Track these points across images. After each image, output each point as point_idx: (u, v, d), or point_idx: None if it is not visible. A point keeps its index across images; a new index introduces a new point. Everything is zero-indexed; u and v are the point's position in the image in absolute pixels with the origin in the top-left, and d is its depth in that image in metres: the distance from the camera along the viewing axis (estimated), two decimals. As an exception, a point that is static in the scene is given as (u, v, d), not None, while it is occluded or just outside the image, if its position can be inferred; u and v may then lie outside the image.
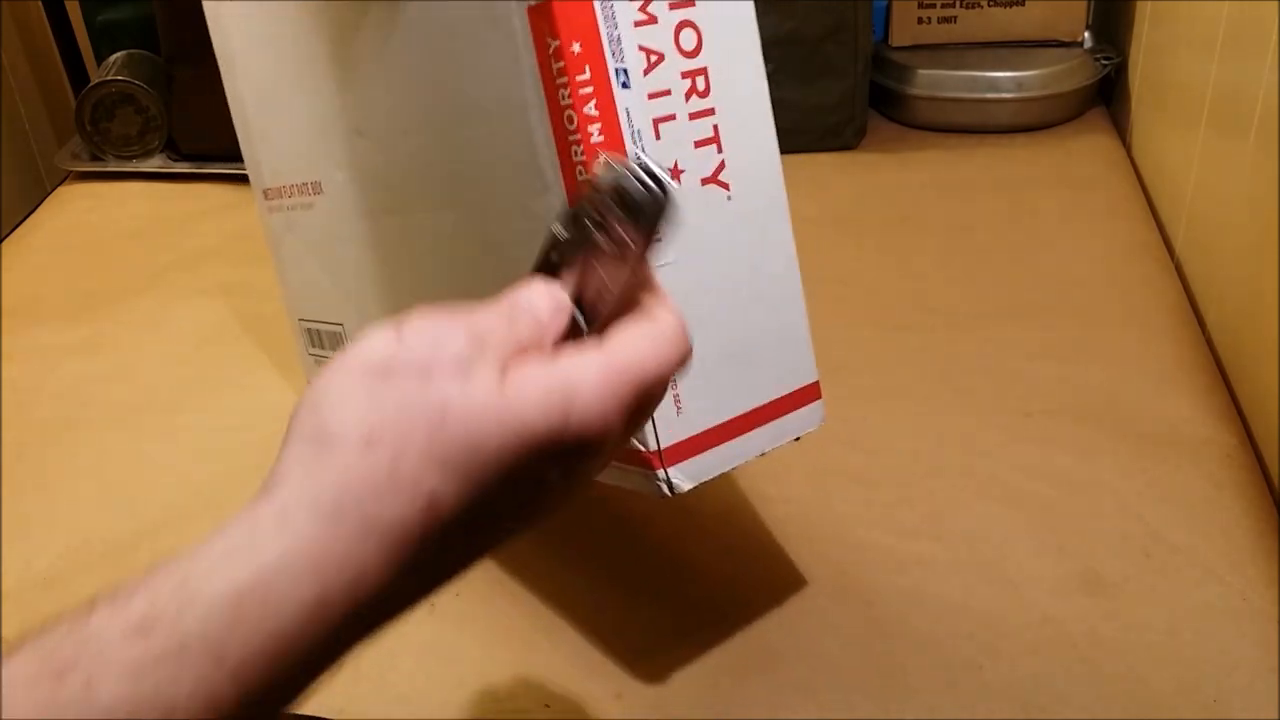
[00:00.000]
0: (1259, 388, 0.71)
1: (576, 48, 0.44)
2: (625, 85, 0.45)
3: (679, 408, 0.49)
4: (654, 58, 0.46)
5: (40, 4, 1.30)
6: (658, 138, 0.46)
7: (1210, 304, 0.82)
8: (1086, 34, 1.15)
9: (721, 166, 0.49)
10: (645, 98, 0.45)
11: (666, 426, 0.49)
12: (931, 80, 1.12)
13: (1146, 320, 0.81)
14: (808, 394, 0.55)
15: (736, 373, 0.51)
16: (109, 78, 1.13)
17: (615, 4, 0.44)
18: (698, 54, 0.47)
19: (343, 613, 0.30)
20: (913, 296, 0.86)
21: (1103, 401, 0.73)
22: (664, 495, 0.49)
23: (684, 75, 0.47)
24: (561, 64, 0.44)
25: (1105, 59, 1.13)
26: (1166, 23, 1.01)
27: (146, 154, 1.15)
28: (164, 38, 1.09)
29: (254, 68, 0.67)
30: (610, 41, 0.44)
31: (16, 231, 1.08)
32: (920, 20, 1.16)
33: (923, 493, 0.67)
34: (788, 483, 0.67)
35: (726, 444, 0.51)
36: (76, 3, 1.31)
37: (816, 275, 0.90)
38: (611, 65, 0.44)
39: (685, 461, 0.50)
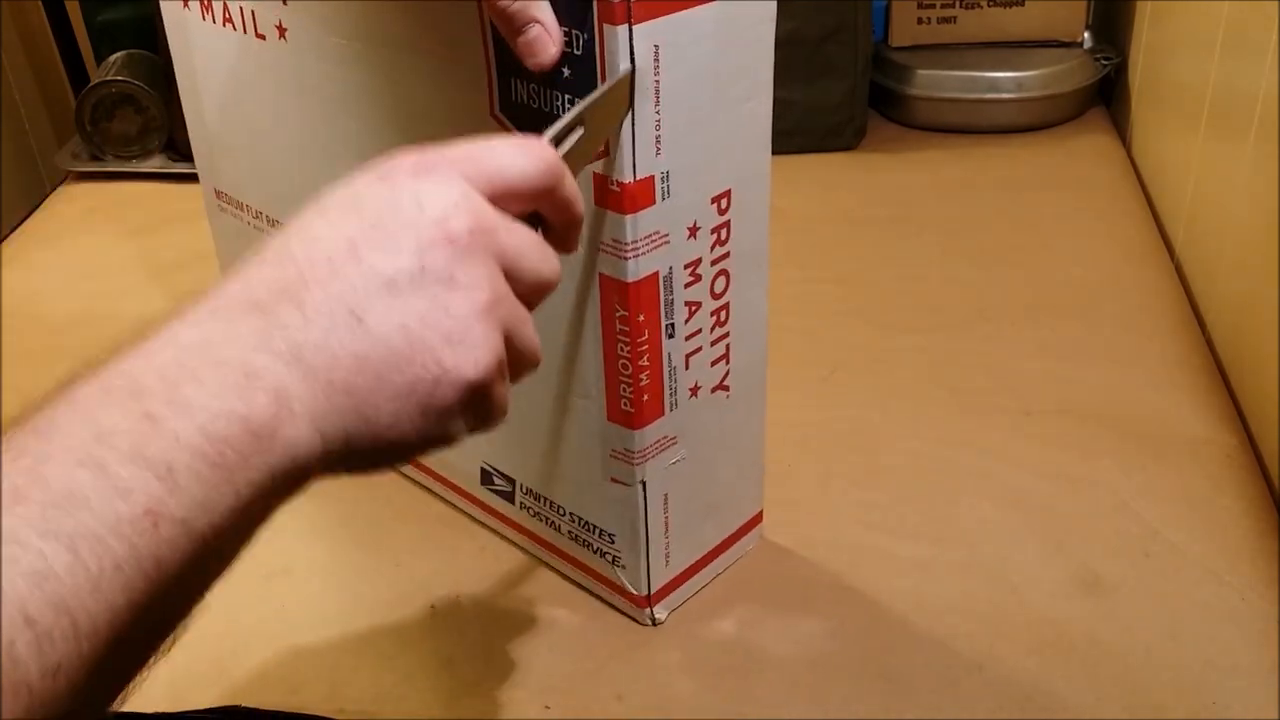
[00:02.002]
0: (1259, 388, 0.71)
1: (641, 318, 0.50)
2: (671, 336, 0.52)
3: (668, 559, 0.58)
4: (693, 307, 0.52)
5: (40, 4, 1.30)
6: (687, 368, 0.54)
7: (1210, 304, 0.82)
8: (1086, 34, 1.15)
9: (727, 374, 0.56)
10: (683, 340, 0.53)
11: (657, 575, 0.58)
12: (931, 80, 1.12)
13: (1146, 320, 0.81)
14: (756, 520, 0.64)
15: (711, 522, 0.60)
16: (109, 78, 1.13)
17: (674, 276, 0.50)
18: (725, 294, 0.54)
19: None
20: (913, 296, 0.86)
21: (1103, 401, 0.73)
22: (646, 625, 0.59)
23: (712, 313, 0.54)
24: (626, 329, 0.50)
25: (1105, 59, 1.13)
26: (1166, 23, 1.01)
27: (146, 154, 1.15)
28: (164, 38, 1.08)
29: (221, 82, 0.67)
30: (665, 305, 0.51)
31: (16, 231, 1.08)
32: (920, 20, 1.16)
33: (923, 493, 0.67)
34: (788, 483, 0.67)
35: (696, 575, 0.60)
36: (76, 3, 1.31)
37: (817, 275, 0.90)
38: (664, 323, 0.51)
39: (667, 597, 0.59)
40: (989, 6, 1.14)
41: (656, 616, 0.59)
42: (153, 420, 0.30)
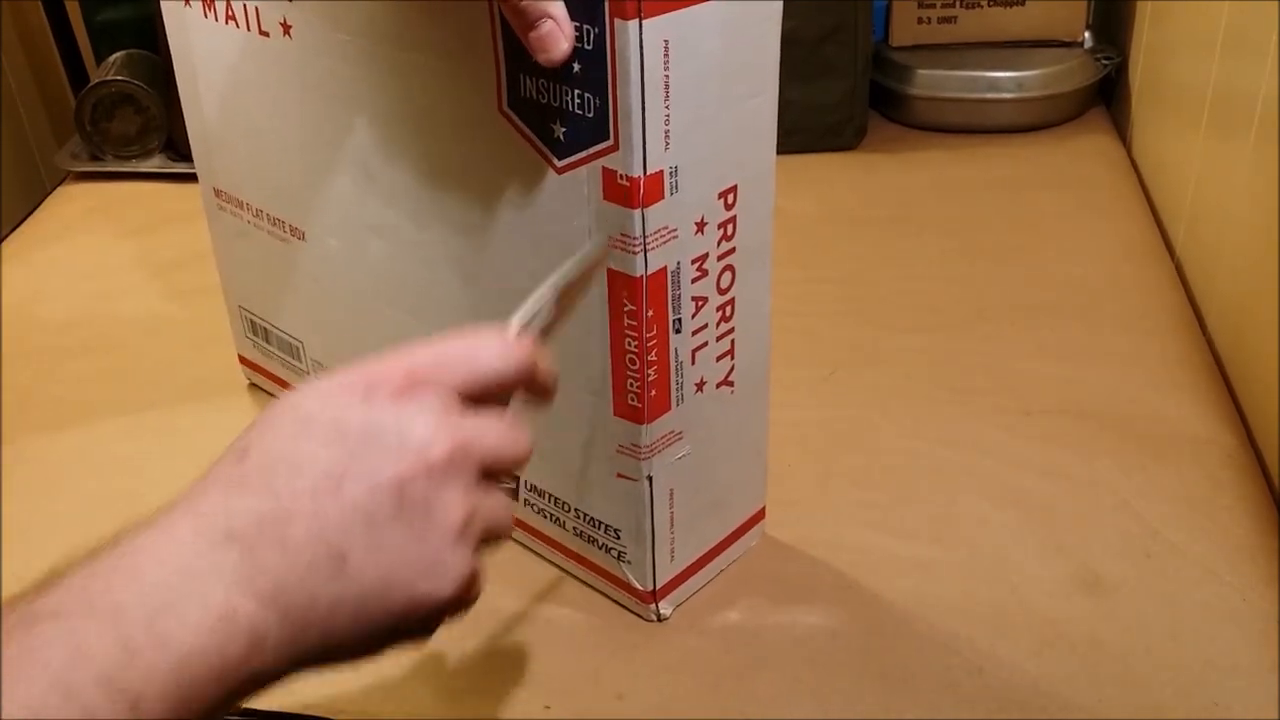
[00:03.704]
0: (1259, 388, 0.71)
1: (650, 313, 0.50)
2: (678, 331, 0.52)
3: (673, 554, 0.58)
4: (700, 302, 0.53)
5: (40, 4, 1.30)
6: (693, 363, 0.54)
7: (1210, 304, 0.82)
8: (1086, 34, 1.15)
9: (731, 370, 0.56)
10: (690, 335, 0.53)
11: (663, 571, 0.58)
12: (931, 80, 1.12)
13: (1146, 320, 0.81)
14: (759, 516, 0.64)
15: (715, 517, 0.60)
16: (109, 78, 1.13)
17: (682, 271, 0.51)
18: (731, 289, 0.54)
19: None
20: (913, 296, 0.86)
21: (1103, 401, 0.73)
22: (651, 620, 0.59)
23: (718, 309, 0.54)
24: (634, 324, 0.50)
25: (1105, 59, 1.13)
26: (1166, 23, 1.01)
27: (146, 154, 1.15)
28: (164, 37, 1.08)
29: (222, 80, 0.67)
30: (673, 300, 0.51)
31: (16, 231, 1.08)
32: (920, 20, 1.16)
33: (923, 493, 0.67)
34: (789, 483, 0.67)
35: (700, 571, 0.61)
36: (76, 3, 1.31)
37: (817, 275, 0.90)
38: (671, 317, 0.51)
39: (672, 593, 0.59)
40: (989, 6, 1.14)
41: (662, 612, 0.59)
42: (129, 650, 0.31)
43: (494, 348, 0.40)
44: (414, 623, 0.37)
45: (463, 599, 0.38)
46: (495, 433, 0.39)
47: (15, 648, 0.30)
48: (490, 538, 0.39)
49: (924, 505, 0.66)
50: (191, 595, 0.33)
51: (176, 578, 0.33)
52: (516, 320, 0.43)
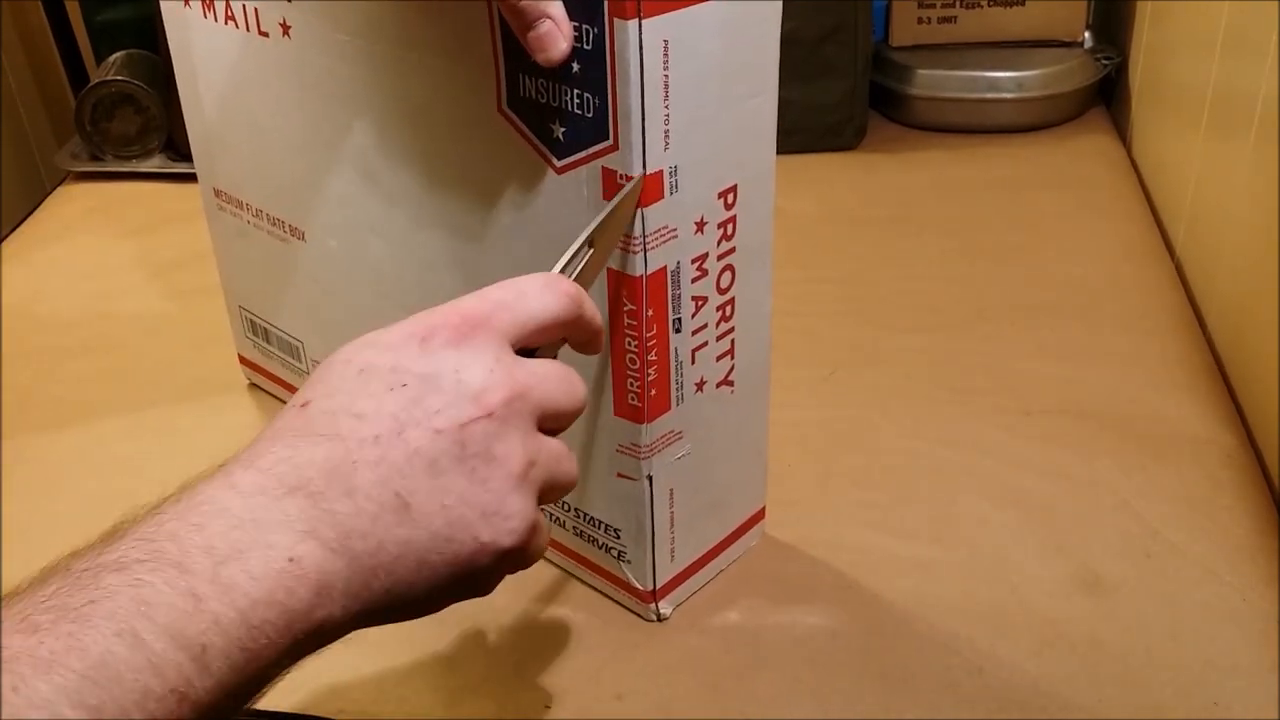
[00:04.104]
0: (1259, 388, 0.71)
1: (650, 312, 0.50)
2: (678, 330, 0.52)
3: (673, 554, 0.58)
4: (700, 302, 0.53)
5: (40, 4, 1.30)
6: (693, 363, 0.54)
7: (1210, 304, 0.82)
8: (1086, 34, 1.15)
9: (731, 370, 0.56)
10: (689, 335, 0.53)
11: (663, 570, 0.58)
12: (931, 80, 1.12)
13: (1146, 320, 0.81)
14: (759, 516, 0.64)
15: (715, 517, 0.60)
16: (109, 78, 1.13)
17: (682, 270, 0.51)
18: (730, 289, 0.54)
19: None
20: (913, 296, 0.86)
21: (1103, 401, 0.73)
22: (651, 620, 0.59)
23: (718, 308, 0.54)
24: (634, 323, 0.50)
25: (1105, 59, 1.13)
26: (1166, 23, 1.01)
27: (146, 154, 1.15)
28: (164, 37, 1.08)
29: (222, 80, 0.67)
30: (673, 300, 0.51)
31: (16, 231, 1.08)
32: (920, 20, 1.16)
33: (923, 493, 0.67)
34: (789, 483, 0.67)
35: (700, 571, 0.61)
36: (76, 3, 1.31)
37: (817, 275, 0.90)
38: (671, 317, 0.51)
39: (672, 593, 0.59)
40: (989, 6, 1.14)
41: (662, 612, 0.59)
42: (195, 599, 0.31)
43: (543, 287, 0.41)
44: (476, 572, 0.37)
45: (524, 549, 0.38)
46: (551, 379, 0.39)
47: (82, 597, 0.30)
48: (552, 487, 0.40)
49: (924, 505, 0.66)
50: (257, 544, 0.33)
51: (242, 528, 0.33)
52: (558, 266, 0.44)
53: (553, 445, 0.40)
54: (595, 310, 0.43)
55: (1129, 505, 0.64)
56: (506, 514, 0.37)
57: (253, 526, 0.33)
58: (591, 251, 0.46)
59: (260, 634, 0.32)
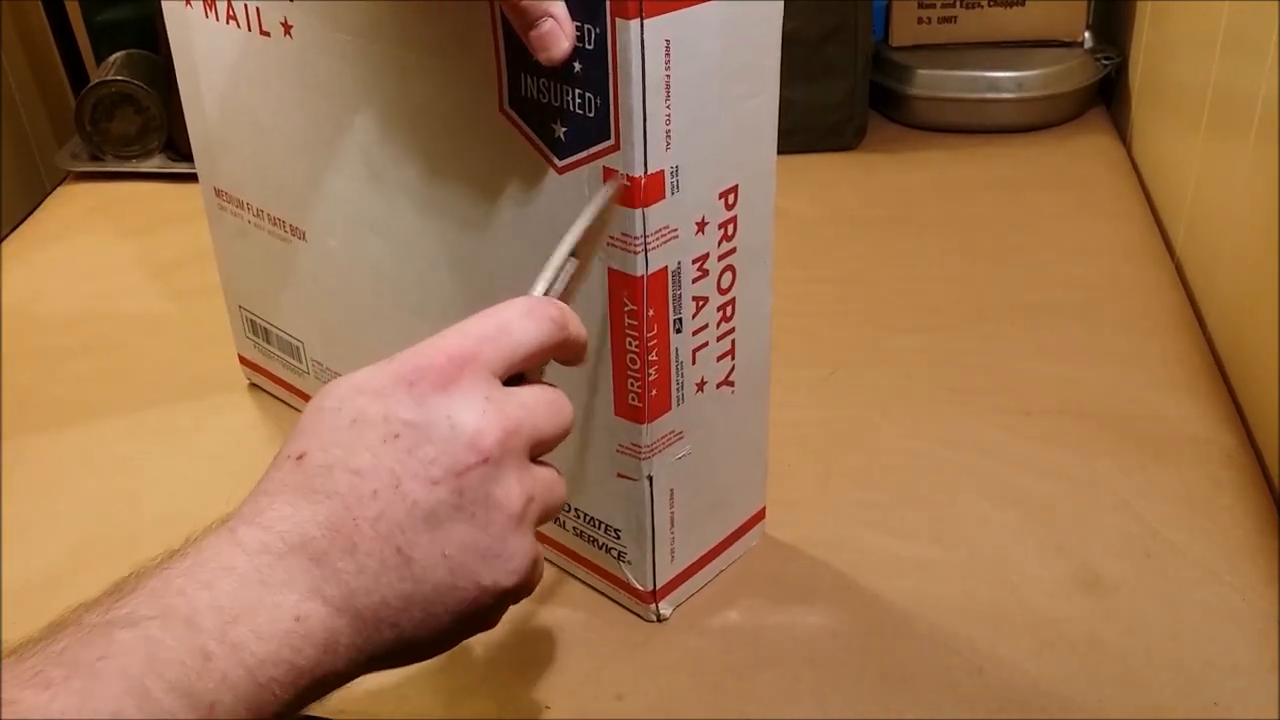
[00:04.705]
0: (1259, 388, 0.71)
1: (651, 312, 0.50)
2: (678, 330, 0.52)
3: (673, 554, 0.58)
4: (701, 302, 0.53)
5: (40, 4, 1.30)
6: (693, 363, 0.54)
7: (1210, 304, 0.82)
8: (1086, 34, 1.15)
9: (732, 370, 0.56)
10: (690, 335, 0.53)
11: (663, 571, 0.58)
12: (931, 80, 1.12)
13: (1146, 320, 0.81)
14: (759, 516, 0.64)
15: (716, 517, 0.60)
16: (109, 78, 1.13)
17: (683, 271, 0.51)
18: (731, 289, 0.54)
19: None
20: (913, 296, 0.86)
21: (1103, 401, 0.73)
22: (651, 621, 0.59)
23: (719, 309, 0.54)
24: (635, 324, 0.50)
25: (1105, 59, 1.13)
26: (1166, 23, 1.01)
27: (146, 154, 1.15)
28: (164, 37, 1.08)
29: (223, 80, 0.67)
30: (673, 300, 0.51)
31: (16, 231, 1.08)
32: (920, 20, 1.16)
33: (923, 493, 0.67)
34: (789, 483, 0.67)
35: (701, 571, 0.61)
36: (76, 3, 1.31)
37: (817, 275, 0.90)
38: (671, 317, 0.51)
39: (672, 593, 0.60)
40: (989, 6, 1.14)
41: (662, 612, 0.59)
42: (205, 657, 0.32)
43: (525, 315, 0.40)
44: (481, 612, 0.37)
45: (526, 583, 0.38)
46: (540, 408, 0.40)
47: (93, 652, 0.31)
48: (546, 515, 0.40)
49: (924, 505, 0.66)
50: (264, 604, 0.33)
51: (248, 587, 0.34)
52: (540, 286, 0.44)
53: (545, 475, 0.40)
54: (580, 325, 0.43)
55: (1129, 505, 0.64)
56: (508, 555, 0.37)
57: (259, 586, 0.34)
58: (575, 262, 0.46)
59: (267, 691, 0.32)
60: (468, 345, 0.39)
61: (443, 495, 0.36)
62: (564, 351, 0.42)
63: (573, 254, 0.46)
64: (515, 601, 0.39)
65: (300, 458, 0.37)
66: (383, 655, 0.36)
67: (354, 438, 0.37)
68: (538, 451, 0.40)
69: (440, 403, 0.37)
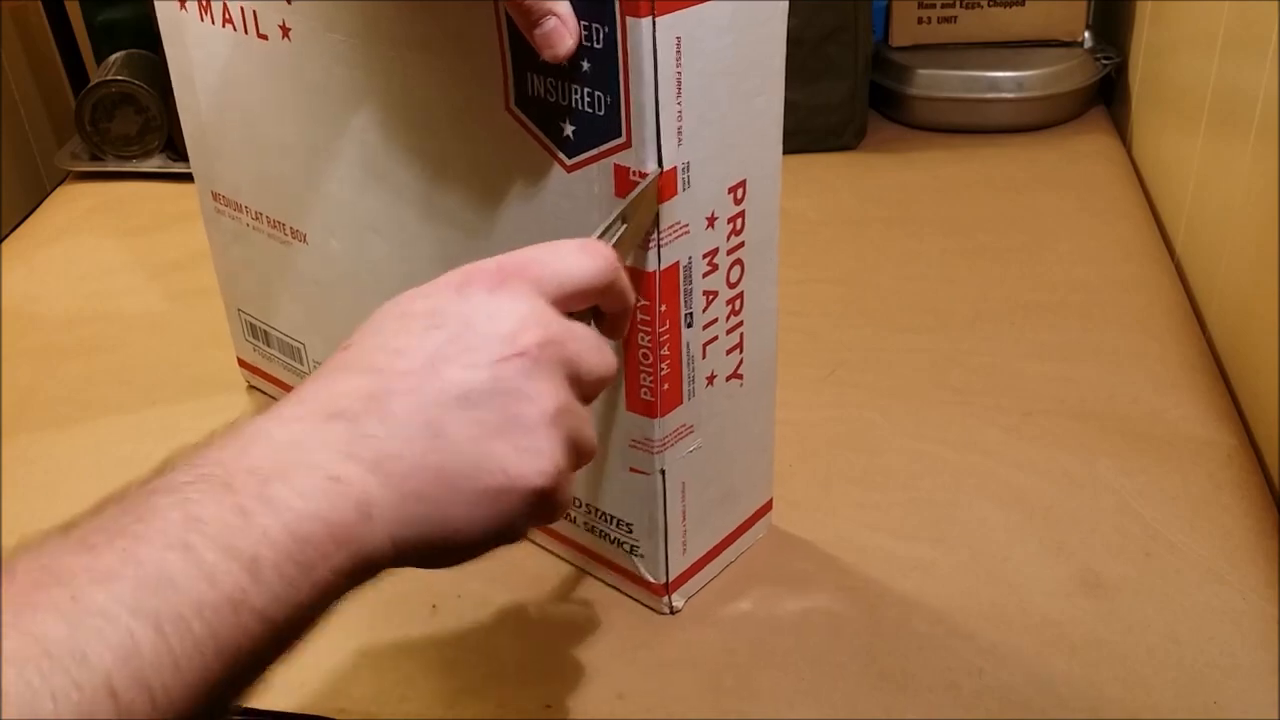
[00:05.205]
0: (1259, 388, 0.71)
1: (663, 307, 0.51)
2: (689, 325, 0.53)
3: (685, 546, 0.59)
4: (711, 296, 0.53)
5: (40, 4, 1.30)
6: (704, 357, 0.54)
7: (1210, 304, 0.82)
8: (1086, 34, 1.15)
9: (740, 363, 0.57)
10: (701, 329, 0.53)
11: (675, 563, 0.59)
12: (931, 80, 1.12)
13: (1146, 320, 0.81)
14: (767, 507, 0.64)
15: (725, 509, 0.61)
16: (109, 78, 1.13)
17: (694, 265, 0.51)
18: (740, 283, 0.54)
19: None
20: (913, 296, 0.86)
21: (1103, 401, 0.73)
22: (664, 613, 0.60)
23: (728, 302, 0.54)
24: (647, 319, 0.51)
25: (1105, 59, 1.13)
26: (1166, 23, 1.01)
27: (146, 154, 1.15)
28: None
29: (219, 83, 0.67)
30: (685, 295, 0.52)
31: (16, 231, 1.08)
32: (920, 20, 1.16)
33: (923, 493, 0.67)
34: (790, 483, 0.67)
35: (711, 563, 0.61)
36: (76, 3, 1.31)
37: (817, 275, 0.90)
38: (683, 312, 0.52)
39: (683, 585, 0.60)
40: (989, 6, 1.14)
41: (674, 604, 0.59)
42: (243, 514, 0.32)
43: (579, 250, 0.42)
44: (506, 511, 0.37)
45: (552, 495, 0.38)
46: (587, 339, 0.41)
47: (133, 516, 0.31)
48: (577, 448, 0.40)
49: (924, 505, 0.66)
50: (300, 463, 0.34)
51: (285, 450, 0.34)
52: (597, 233, 0.45)
53: (579, 407, 0.40)
54: (628, 283, 0.44)
55: (1129, 505, 0.65)
56: (537, 450, 0.37)
57: (294, 449, 0.34)
58: (625, 226, 0.46)
59: (309, 547, 0.33)
60: (520, 260, 0.40)
61: (479, 379, 0.37)
62: (611, 299, 0.43)
63: (623, 219, 0.46)
64: (541, 515, 0.39)
65: (347, 347, 0.39)
66: (417, 538, 0.36)
67: (399, 326, 0.39)
68: (577, 386, 0.40)
69: (485, 300, 0.39)
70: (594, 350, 0.41)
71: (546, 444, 0.38)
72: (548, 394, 0.38)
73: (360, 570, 0.35)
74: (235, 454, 0.34)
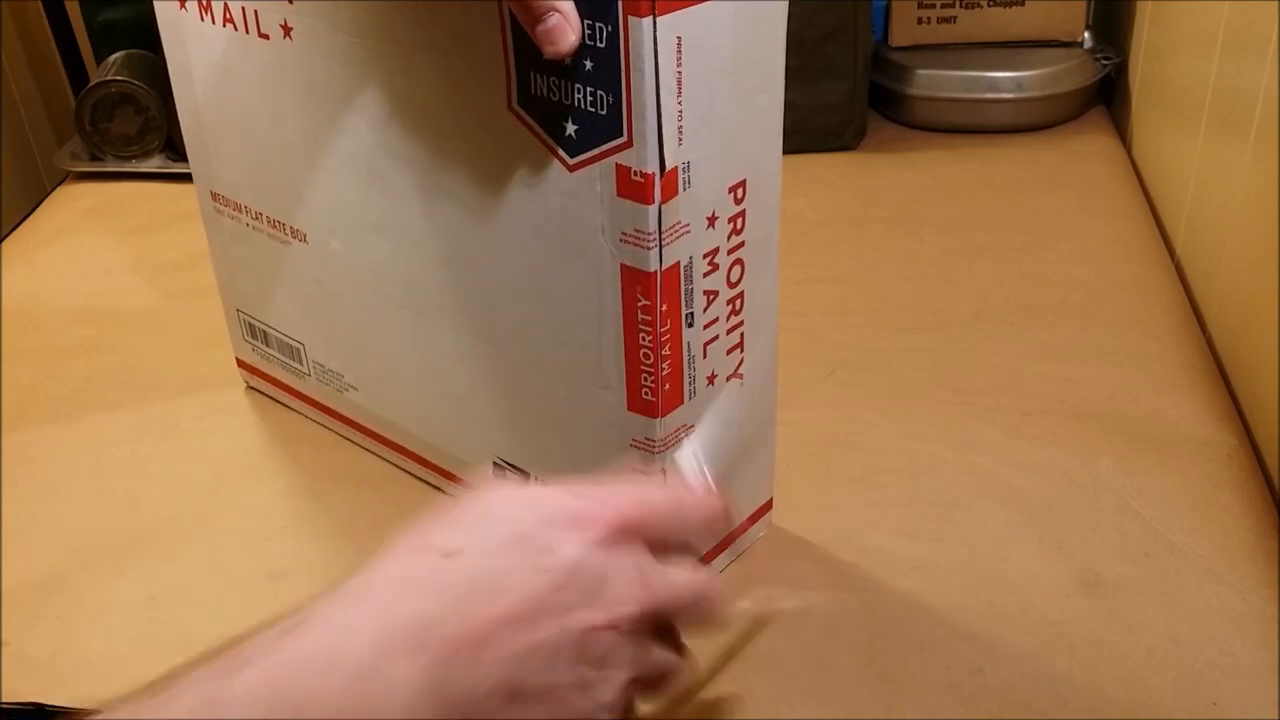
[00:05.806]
0: (1259, 388, 0.71)
1: (664, 307, 0.51)
2: (690, 325, 0.53)
3: None
4: (711, 296, 0.53)
5: (40, 4, 1.30)
6: (705, 356, 0.54)
7: (1210, 304, 0.82)
8: (1086, 34, 1.15)
9: (741, 362, 0.57)
10: (701, 329, 0.53)
11: None
12: (931, 80, 1.12)
13: (1146, 320, 0.81)
14: (767, 506, 0.64)
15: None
16: (109, 78, 1.13)
17: (694, 265, 0.51)
18: (740, 283, 0.54)
19: None
20: (913, 296, 0.86)
21: (1103, 401, 0.73)
22: None
23: (728, 302, 0.54)
24: (648, 319, 0.51)
25: (1105, 59, 1.13)
26: (1166, 23, 1.01)
27: (146, 154, 1.15)
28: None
29: (219, 83, 0.66)
30: (685, 294, 0.52)
31: (16, 231, 1.08)
32: (920, 20, 1.16)
33: (923, 493, 0.67)
34: (790, 483, 0.67)
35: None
36: (76, 3, 1.31)
37: (817, 275, 0.90)
38: (684, 312, 0.52)
39: None
40: (989, 6, 1.14)
41: None
42: None
43: (700, 506, 0.44)
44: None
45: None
46: (688, 589, 0.41)
47: None
48: (649, 689, 0.41)
49: (924, 505, 0.66)
50: (376, 697, 0.34)
51: (363, 682, 0.34)
52: (694, 466, 0.51)
53: (663, 658, 0.41)
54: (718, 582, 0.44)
55: (1129, 505, 0.65)
56: None
57: (374, 679, 0.35)
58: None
59: None
60: (640, 511, 0.41)
61: (567, 643, 0.37)
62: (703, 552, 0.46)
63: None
64: None
65: (456, 552, 0.38)
66: None
67: (510, 552, 0.38)
68: (671, 623, 0.41)
69: (598, 557, 0.39)
70: (691, 598, 0.41)
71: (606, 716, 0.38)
72: (623, 672, 0.39)
73: None
74: (309, 676, 0.35)
